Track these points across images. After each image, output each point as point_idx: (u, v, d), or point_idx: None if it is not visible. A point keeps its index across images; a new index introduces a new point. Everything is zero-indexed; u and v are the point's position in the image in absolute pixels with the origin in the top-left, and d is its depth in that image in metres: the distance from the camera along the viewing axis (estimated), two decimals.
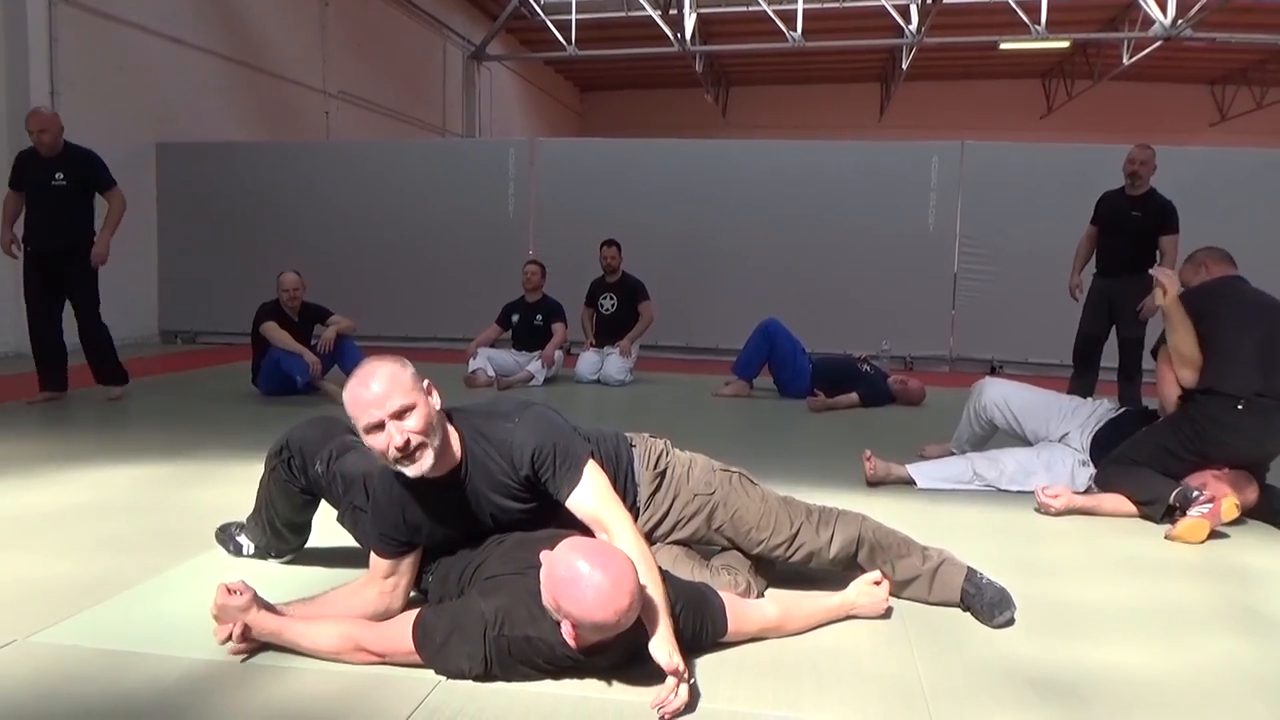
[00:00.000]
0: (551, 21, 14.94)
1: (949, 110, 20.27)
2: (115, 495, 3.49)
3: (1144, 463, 3.55)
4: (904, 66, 16.73)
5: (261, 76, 10.96)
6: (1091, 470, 3.77)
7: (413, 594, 2.25)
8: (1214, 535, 3.22)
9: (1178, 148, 8.17)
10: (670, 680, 1.83)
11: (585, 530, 2.10)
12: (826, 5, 14.66)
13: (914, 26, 13.95)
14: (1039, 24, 12.97)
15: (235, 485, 3.39)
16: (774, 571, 2.53)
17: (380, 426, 1.98)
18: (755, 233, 9.13)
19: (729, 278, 9.15)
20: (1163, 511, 3.38)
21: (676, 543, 2.46)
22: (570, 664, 1.92)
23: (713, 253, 9.21)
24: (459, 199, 9.61)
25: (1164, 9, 12.53)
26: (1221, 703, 1.99)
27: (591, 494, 2.09)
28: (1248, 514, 3.42)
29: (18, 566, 2.66)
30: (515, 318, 7.41)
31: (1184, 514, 3.24)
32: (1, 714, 1.81)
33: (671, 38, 14.62)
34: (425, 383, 2.07)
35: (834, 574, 2.49)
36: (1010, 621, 2.37)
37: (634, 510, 2.36)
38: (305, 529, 2.67)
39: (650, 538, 2.40)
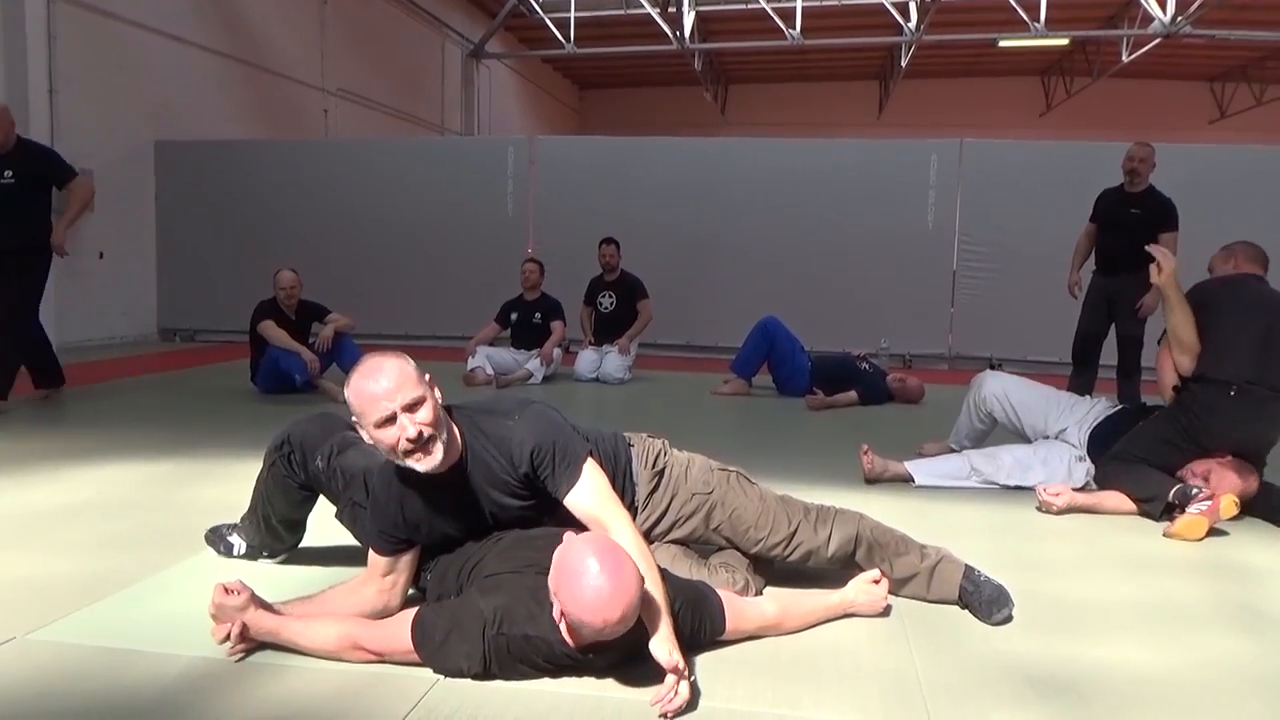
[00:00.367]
0: (550, 19, 14.93)
1: (948, 108, 20.27)
2: (114, 493, 3.49)
3: (1143, 455, 3.56)
4: (903, 64, 16.72)
5: (260, 74, 10.95)
6: (1088, 466, 3.78)
7: (411, 592, 2.25)
8: (1213, 532, 3.22)
9: (1177, 145, 8.17)
10: (670, 678, 1.83)
11: (584, 529, 2.09)
12: (825, 3, 14.64)
13: (913, 24, 13.94)
14: (1038, 21, 12.95)
15: (234, 483, 3.39)
16: (772, 570, 2.53)
17: (391, 420, 1.97)
18: (754, 231, 9.13)
19: (728, 276, 9.15)
20: (1162, 509, 3.39)
21: (674, 541, 2.46)
22: (569, 663, 1.92)
23: (711, 251, 9.20)
24: (458, 197, 9.60)
25: (1163, 6, 12.51)
26: (1220, 700, 1.99)
27: (590, 492, 2.09)
28: (1246, 511, 3.42)
29: (17, 564, 2.66)
30: (514, 316, 7.41)
31: (1183, 511, 3.25)
32: (1, 712, 1.81)
33: (670, 36, 14.61)
34: (428, 377, 2.07)
35: (832, 572, 2.49)
36: (1008, 619, 2.38)
37: (632, 509, 2.36)
38: (300, 527, 2.66)
39: (648, 536, 2.40)
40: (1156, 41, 13.86)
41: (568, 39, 14.93)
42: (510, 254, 8.94)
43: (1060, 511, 3.50)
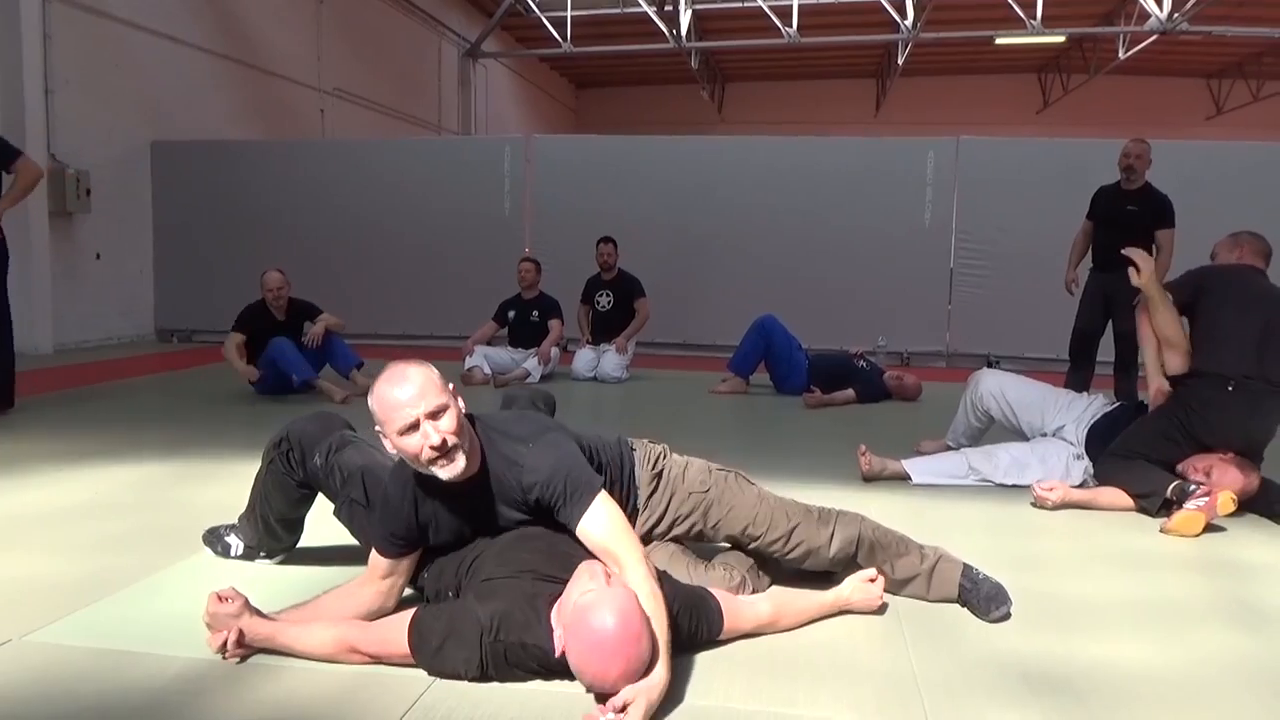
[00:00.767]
0: (547, 18, 14.92)
1: (945, 105, 20.28)
2: (111, 494, 3.49)
3: (1142, 450, 3.56)
4: (899, 62, 16.72)
5: (257, 74, 10.94)
6: (1086, 463, 3.78)
7: (408, 592, 2.25)
8: (1210, 529, 3.22)
9: (1174, 142, 8.18)
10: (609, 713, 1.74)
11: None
12: (822, 1, 14.64)
13: (909, 21, 13.94)
14: (1035, 19, 12.96)
15: (232, 484, 3.39)
16: (778, 570, 2.52)
17: (415, 427, 1.97)
18: (751, 229, 9.12)
19: (725, 274, 9.14)
20: (1159, 505, 3.39)
21: (673, 539, 2.47)
22: (565, 668, 1.92)
23: (709, 249, 9.20)
24: (455, 196, 9.59)
25: (1160, 3, 12.53)
26: (1216, 696, 2.00)
27: (601, 526, 2.04)
28: (1244, 507, 3.42)
29: (13, 566, 2.66)
30: (512, 314, 7.41)
31: (1180, 507, 3.25)
32: None
33: (667, 34, 14.60)
34: (451, 386, 2.07)
35: (832, 572, 2.49)
36: (1006, 616, 2.38)
37: (634, 512, 2.37)
38: (298, 526, 2.66)
39: (648, 537, 2.41)
40: (1153, 38, 13.88)
41: (564, 38, 14.93)
42: (507, 253, 8.92)
43: (1055, 507, 3.50)
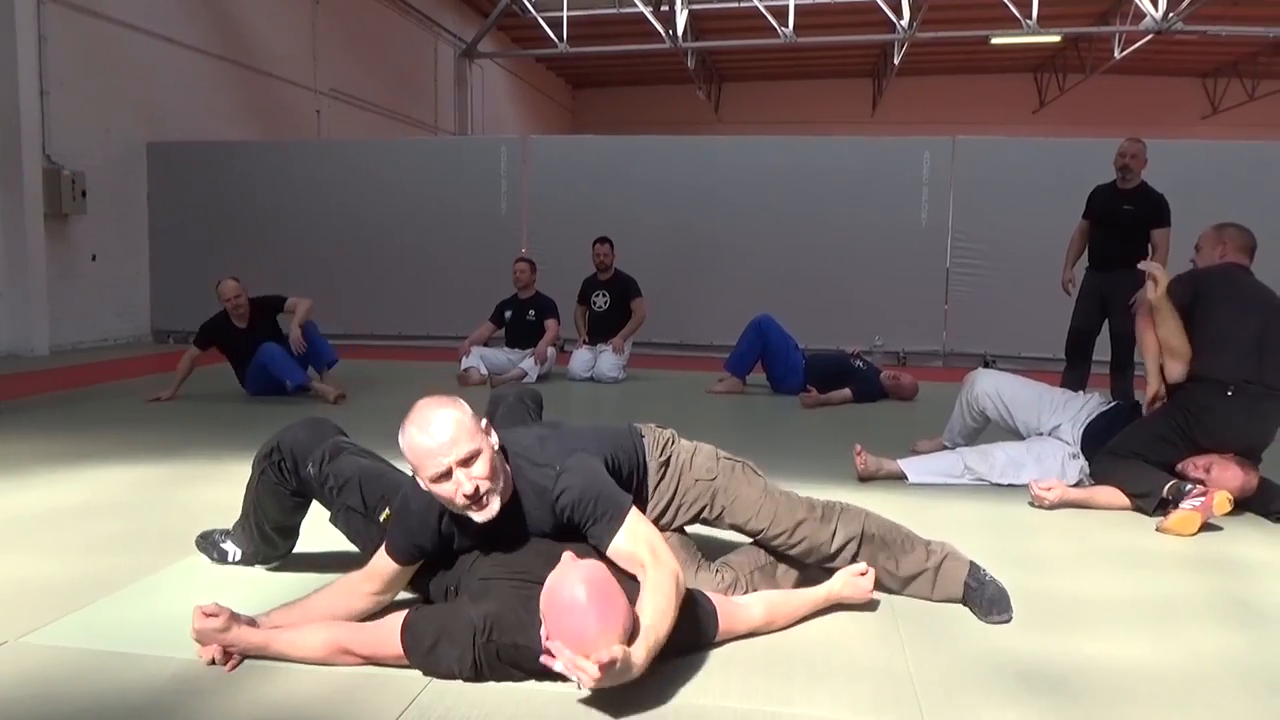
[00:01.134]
0: (543, 18, 14.91)
1: (941, 105, 20.31)
2: (107, 496, 3.49)
3: (1140, 451, 3.56)
4: (896, 61, 16.74)
5: (252, 75, 10.93)
6: (1082, 463, 3.78)
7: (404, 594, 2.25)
8: (1206, 528, 3.23)
9: (1170, 141, 8.19)
10: (585, 665, 1.71)
11: (585, 547, 2.09)
12: (818, 0, 14.65)
13: (905, 21, 13.95)
14: (1030, 18, 12.98)
15: (227, 485, 3.37)
16: (808, 575, 2.48)
17: (448, 475, 1.96)
18: (748, 229, 9.13)
19: (722, 274, 9.15)
20: (1155, 504, 3.39)
21: (679, 529, 2.47)
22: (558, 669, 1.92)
23: (705, 249, 9.20)
24: (451, 197, 9.59)
25: (1155, 3, 12.55)
26: (1212, 694, 2.00)
27: (633, 542, 2.02)
28: (1241, 506, 3.42)
29: (9, 567, 2.65)
30: (508, 314, 7.41)
31: (1176, 507, 3.25)
32: None
33: (663, 34, 14.61)
34: (484, 424, 2.06)
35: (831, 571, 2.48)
36: (1006, 622, 2.36)
37: (643, 501, 2.36)
38: (294, 533, 2.64)
39: (656, 524, 2.41)
40: (1149, 38, 13.91)
41: (560, 38, 14.92)
42: (504, 254, 8.93)
43: (1052, 506, 3.51)
